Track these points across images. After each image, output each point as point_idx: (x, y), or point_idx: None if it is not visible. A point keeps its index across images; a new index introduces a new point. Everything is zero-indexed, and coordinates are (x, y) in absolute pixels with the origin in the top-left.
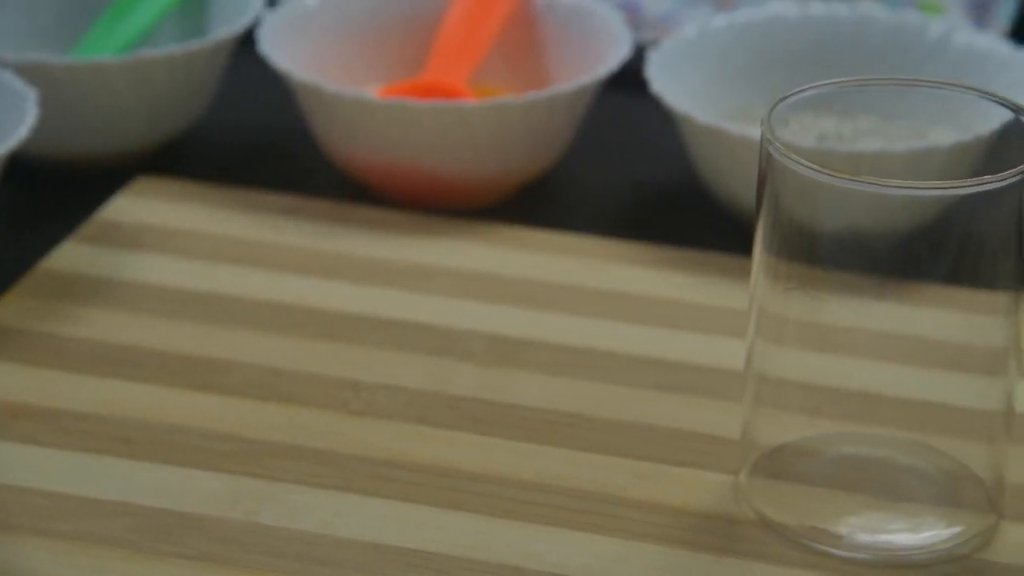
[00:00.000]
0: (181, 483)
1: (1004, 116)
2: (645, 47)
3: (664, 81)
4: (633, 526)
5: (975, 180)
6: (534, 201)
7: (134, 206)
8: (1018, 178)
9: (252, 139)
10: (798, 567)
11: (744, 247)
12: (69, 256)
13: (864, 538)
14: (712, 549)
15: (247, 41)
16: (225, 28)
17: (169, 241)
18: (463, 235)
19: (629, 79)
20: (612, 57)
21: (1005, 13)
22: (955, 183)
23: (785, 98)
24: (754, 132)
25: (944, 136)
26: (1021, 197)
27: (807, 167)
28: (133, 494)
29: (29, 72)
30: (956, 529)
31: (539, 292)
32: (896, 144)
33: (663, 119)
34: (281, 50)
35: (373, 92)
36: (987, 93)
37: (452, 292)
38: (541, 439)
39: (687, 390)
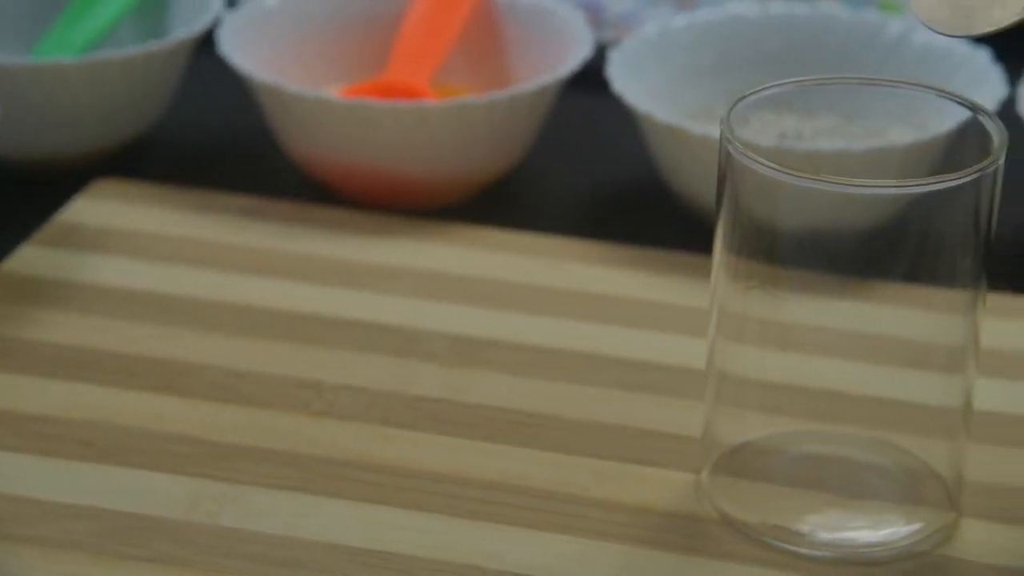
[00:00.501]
0: (142, 486)
1: (962, 115)
2: (606, 46)
3: (625, 80)
4: (596, 525)
5: (933, 179)
6: (496, 201)
7: (94, 208)
8: (975, 176)
9: (213, 140)
10: (760, 565)
11: (706, 246)
12: (28, 259)
13: (825, 536)
14: (674, 548)
15: (207, 42)
16: (184, 29)
17: (129, 243)
18: (425, 235)
19: (591, 79)
20: (573, 57)
21: None
22: (914, 182)
23: (744, 97)
24: (715, 131)
25: (903, 135)
26: (978, 195)
27: (766, 166)
28: (94, 497)
29: None
30: (916, 526)
31: (502, 292)
32: (855, 143)
33: (625, 118)
34: (241, 51)
35: (334, 92)
36: (945, 92)
37: (415, 292)
38: (503, 439)
39: (649, 389)
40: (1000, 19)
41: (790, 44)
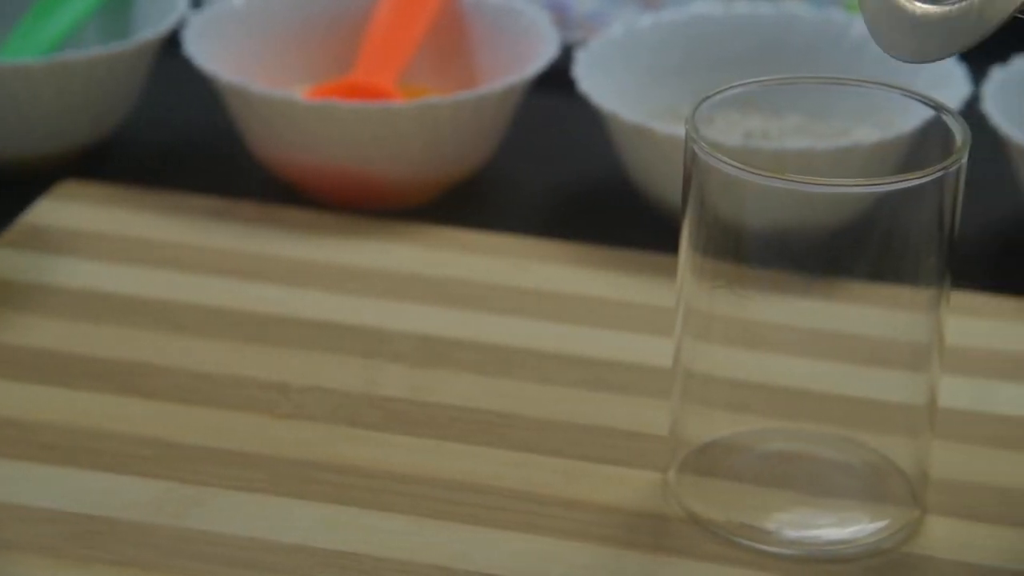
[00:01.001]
0: (107, 489)
1: (926, 114)
2: (573, 47)
3: (591, 80)
4: (563, 525)
5: (897, 177)
6: (463, 201)
7: (59, 210)
8: (939, 175)
9: (178, 141)
10: (727, 563)
11: (673, 245)
12: None
13: (791, 533)
14: (642, 547)
15: (172, 42)
16: (149, 30)
17: (95, 245)
18: (392, 236)
19: (557, 79)
20: (540, 57)
21: None
22: (878, 180)
23: (709, 97)
24: (681, 131)
25: (868, 134)
26: (942, 194)
27: (731, 165)
28: (58, 500)
29: None
30: (881, 523)
31: (468, 292)
32: (821, 142)
33: (591, 118)
34: (206, 51)
35: (300, 93)
36: (909, 91)
37: (381, 293)
38: (470, 439)
39: (616, 388)
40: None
41: (756, 44)
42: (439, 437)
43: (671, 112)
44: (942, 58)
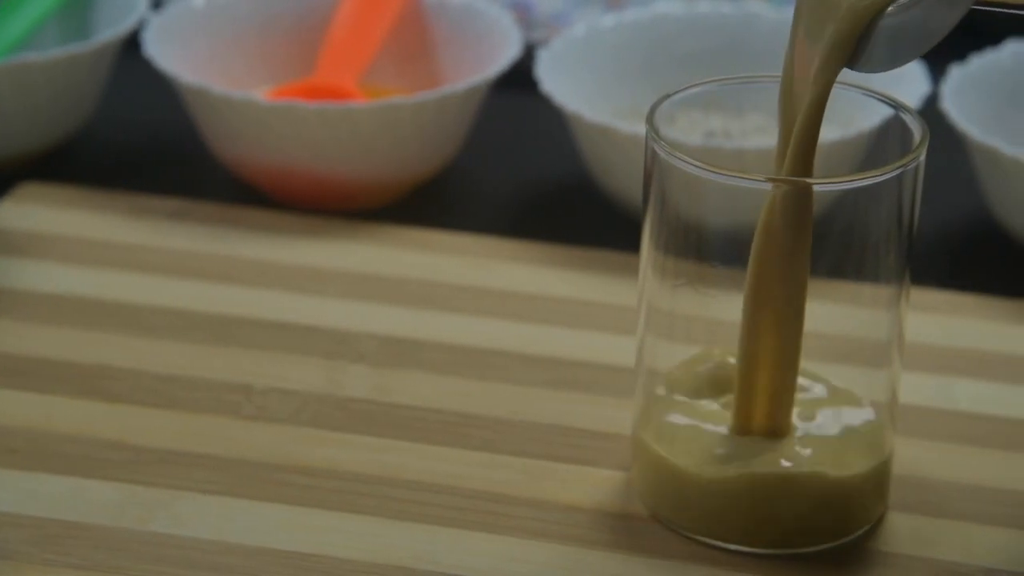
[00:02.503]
0: (70, 493)
1: (885, 112)
2: (535, 47)
3: (554, 80)
4: (527, 524)
5: (856, 175)
6: (426, 202)
7: (19, 212)
8: (898, 173)
9: (139, 143)
10: (690, 561)
11: (636, 244)
12: None
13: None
14: (605, 545)
15: (132, 43)
16: (109, 31)
17: (55, 247)
18: (355, 236)
19: (520, 79)
20: (502, 57)
21: None
22: (838, 178)
23: (669, 96)
24: (642, 130)
25: (827, 132)
26: (901, 191)
27: (691, 164)
28: (20, 505)
29: None
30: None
31: (431, 292)
32: None
33: (554, 118)
34: (167, 52)
35: (262, 94)
36: (869, 90)
37: (344, 294)
38: (434, 439)
39: (579, 387)
40: None
41: (718, 43)
42: (403, 438)
43: (634, 112)
44: (891, 68)
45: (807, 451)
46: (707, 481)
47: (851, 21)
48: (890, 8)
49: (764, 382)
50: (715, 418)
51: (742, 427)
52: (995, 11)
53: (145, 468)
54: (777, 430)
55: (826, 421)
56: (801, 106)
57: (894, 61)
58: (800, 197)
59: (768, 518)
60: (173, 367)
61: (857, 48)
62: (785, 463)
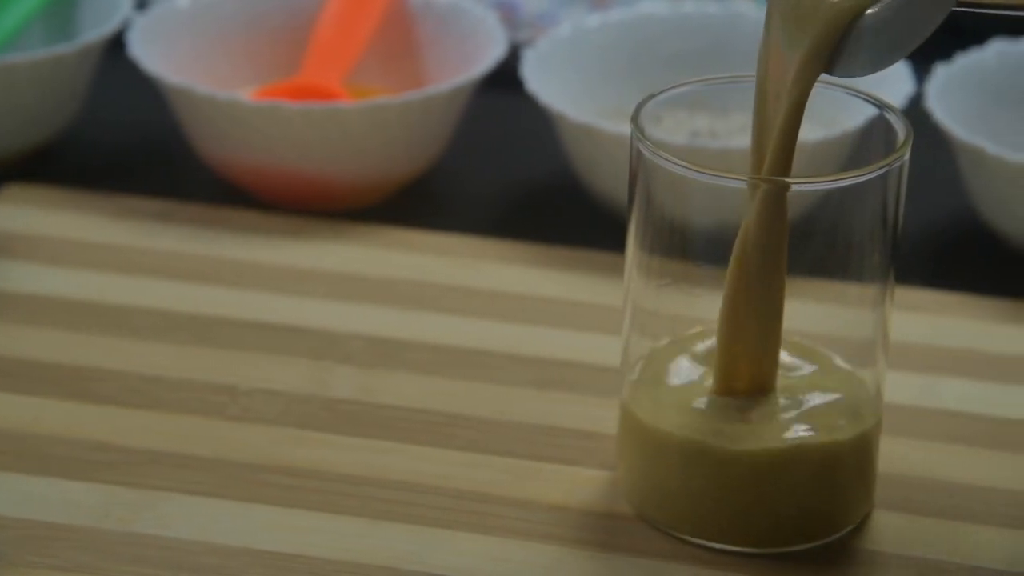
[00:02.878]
0: (53, 494)
1: (869, 112)
2: (521, 46)
3: (539, 80)
4: (513, 524)
5: (841, 175)
6: (412, 202)
7: (5, 214)
8: (882, 172)
9: (124, 143)
10: (676, 560)
11: (621, 244)
12: None
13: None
14: (591, 545)
15: (117, 44)
16: (93, 31)
17: (41, 249)
18: (340, 236)
19: (505, 79)
20: (488, 56)
21: None
22: (823, 178)
23: (654, 96)
24: (627, 130)
25: (812, 132)
26: (885, 190)
27: (676, 164)
28: (4, 506)
29: None
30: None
31: (417, 292)
32: None
33: (540, 118)
34: (152, 53)
35: (247, 94)
36: (853, 90)
37: (330, 294)
38: (419, 440)
39: (565, 387)
40: None
41: (703, 43)
42: (388, 438)
43: (619, 111)
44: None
45: (790, 413)
46: (685, 443)
47: (828, 25)
48: (868, 11)
49: (747, 353)
50: (698, 385)
51: (724, 389)
52: (976, 11)
53: (130, 469)
54: (760, 390)
55: (811, 390)
56: (778, 111)
57: (874, 65)
58: (780, 197)
59: (749, 497)
60: (158, 368)
61: (835, 53)
62: (767, 425)
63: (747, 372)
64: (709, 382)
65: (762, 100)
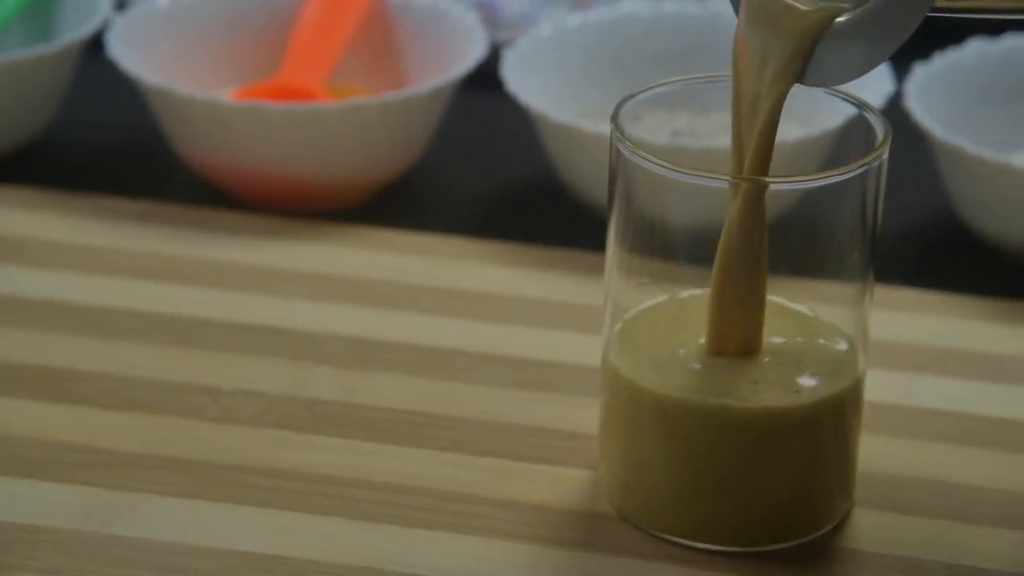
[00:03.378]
0: (33, 496)
1: (849, 111)
2: (501, 46)
3: (520, 80)
4: (495, 524)
5: (821, 174)
6: (393, 202)
7: None
8: (861, 171)
9: (104, 144)
10: (658, 560)
11: (602, 243)
12: None
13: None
14: (573, 544)
15: (96, 45)
16: (73, 32)
17: (20, 250)
18: (321, 237)
19: (486, 79)
20: (468, 57)
21: None
22: (802, 177)
23: (634, 96)
24: (608, 130)
25: (791, 131)
26: (864, 189)
27: (655, 163)
28: None
29: None
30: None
31: (398, 293)
32: None
33: (520, 118)
34: (131, 53)
35: (227, 95)
36: (833, 89)
37: (311, 295)
38: (401, 440)
39: (546, 387)
40: None
41: (684, 43)
42: (370, 439)
43: (600, 111)
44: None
45: (773, 373)
46: (674, 402)
47: (799, 37)
48: (839, 20)
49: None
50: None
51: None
52: (952, 16)
53: (111, 471)
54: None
55: (796, 348)
56: (755, 119)
57: (848, 74)
58: (760, 197)
59: (726, 469)
60: (139, 369)
61: (807, 63)
62: (750, 383)
63: (735, 339)
64: (697, 343)
65: (737, 100)
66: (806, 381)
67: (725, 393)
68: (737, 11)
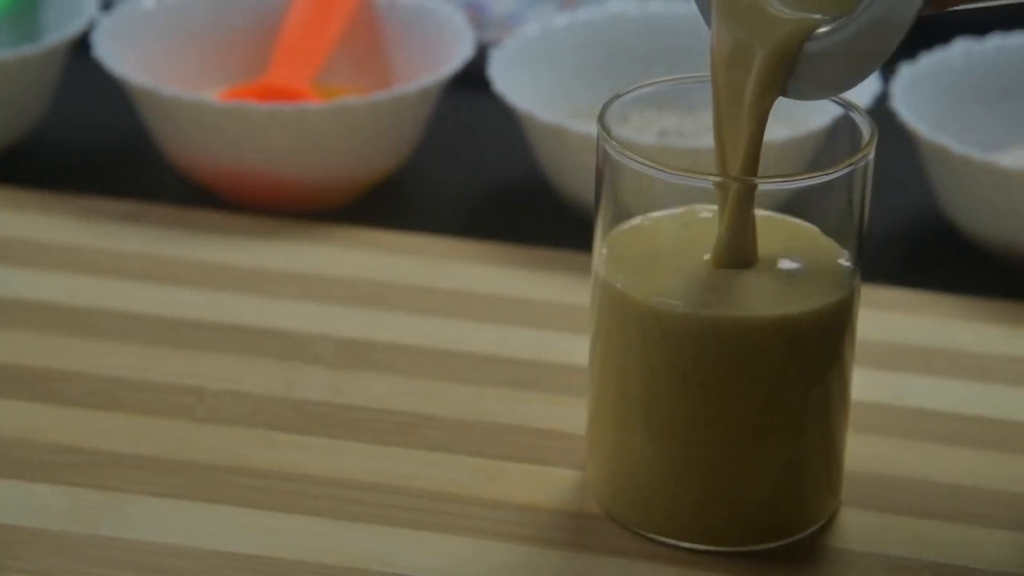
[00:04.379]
0: (18, 497)
1: (835, 112)
2: (488, 46)
3: (507, 80)
4: (483, 525)
5: (808, 174)
6: (381, 202)
7: None
8: (848, 171)
9: (90, 145)
10: (646, 560)
11: (590, 243)
12: None
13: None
14: (561, 544)
15: (82, 45)
16: (59, 32)
17: (7, 251)
18: (309, 237)
19: (473, 79)
20: (455, 56)
21: None
22: (789, 177)
23: (620, 96)
24: (594, 130)
25: (778, 131)
26: (851, 189)
27: (641, 163)
28: None
29: None
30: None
31: (386, 293)
32: None
33: (508, 118)
34: (117, 54)
35: (214, 95)
36: None
37: (299, 295)
38: (389, 440)
39: (533, 387)
40: None
41: (671, 43)
42: (358, 439)
43: (588, 111)
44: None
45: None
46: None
47: (777, 51)
48: (819, 31)
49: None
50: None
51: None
52: (946, 13)
53: (97, 471)
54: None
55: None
56: (740, 132)
57: (833, 87)
58: (747, 196)
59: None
60: (126, 369)
61: (788, 77)
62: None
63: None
64: (698, 255)
65: (716, 97)
66: (800, 293)
67: (716, 306)
68: (703, 13)
